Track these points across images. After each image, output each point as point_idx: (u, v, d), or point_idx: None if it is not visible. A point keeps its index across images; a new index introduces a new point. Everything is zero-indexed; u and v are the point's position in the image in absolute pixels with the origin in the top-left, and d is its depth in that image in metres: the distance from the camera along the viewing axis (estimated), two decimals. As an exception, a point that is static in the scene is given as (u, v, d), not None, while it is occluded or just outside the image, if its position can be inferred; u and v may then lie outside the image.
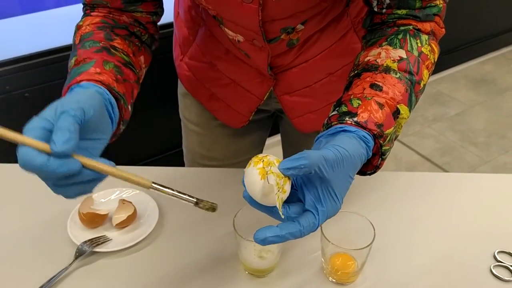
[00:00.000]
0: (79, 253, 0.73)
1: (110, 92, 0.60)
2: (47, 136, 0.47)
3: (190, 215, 0.82)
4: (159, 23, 0.79)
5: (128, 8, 0.72)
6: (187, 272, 0.72)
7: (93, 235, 0.76)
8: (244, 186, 0.51)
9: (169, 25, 1.00)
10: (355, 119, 0.57)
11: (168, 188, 0.53)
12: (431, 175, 0.93)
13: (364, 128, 0.56)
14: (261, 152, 1.14)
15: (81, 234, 0.76)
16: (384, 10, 0.68)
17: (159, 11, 0.77)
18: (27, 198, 0.86)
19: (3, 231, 0.79)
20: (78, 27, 0.71)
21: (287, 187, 0.50)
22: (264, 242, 0.51)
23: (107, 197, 0.84)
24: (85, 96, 0.53)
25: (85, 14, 0.73)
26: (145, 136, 1.84)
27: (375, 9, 0.69)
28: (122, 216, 0.78)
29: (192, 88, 0.97)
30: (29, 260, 0.74)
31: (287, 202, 0.52)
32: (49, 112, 0.49)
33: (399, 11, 0.67)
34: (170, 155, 1.94)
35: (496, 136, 2.38)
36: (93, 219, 0.78)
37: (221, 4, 0.70)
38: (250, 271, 0.72)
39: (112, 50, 0.67)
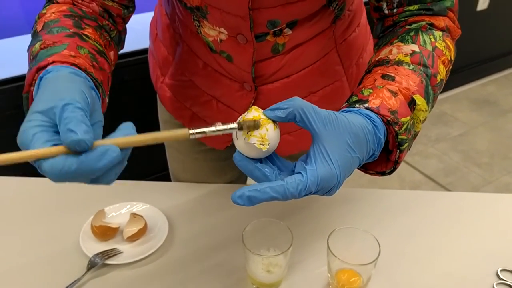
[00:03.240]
0: (91, 265, 0.75)
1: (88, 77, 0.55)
2: (56, 137, 0.43)
3: (199, 229, 0.84)
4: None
5: None
6: (196, 285, 0.74)
7: (105, 248, 0.78)
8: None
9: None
10: (366, 105, 0.54)
11: (206, 127, 0.48)
12: (434, 194, 0.95)
13: (377, 114, 0.54)
14: (246, 178, 1.13)
15: (93, 247, 0.78)
16: (395, 10, 0.67)
17: (131, 6, 0.73)
18: (40, 211, 0.88)
19: (16, 243, 0.81)
20: (41, 15, 0.64)
21: (270, 127, 0.48)
22: (241, 199, 0.46)
23: (118, 211, 0.86)
24: (76, 83, 0.49)
25: (49, 1, 0.66)
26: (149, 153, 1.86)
27: (386, 11, 0.68)
28: (133, 230, 0.80)
29: (174, 110, 0.94)
30: (42, 272, 0.76)
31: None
32: (42, 111, 0.44)
33: (410, 7, 0.65)
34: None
35: (499, 157, 2.40)
36: (105, 232, 0.80)
37: None
38: (258, 285, 0.73)
39: (85, 37, 0.61)
